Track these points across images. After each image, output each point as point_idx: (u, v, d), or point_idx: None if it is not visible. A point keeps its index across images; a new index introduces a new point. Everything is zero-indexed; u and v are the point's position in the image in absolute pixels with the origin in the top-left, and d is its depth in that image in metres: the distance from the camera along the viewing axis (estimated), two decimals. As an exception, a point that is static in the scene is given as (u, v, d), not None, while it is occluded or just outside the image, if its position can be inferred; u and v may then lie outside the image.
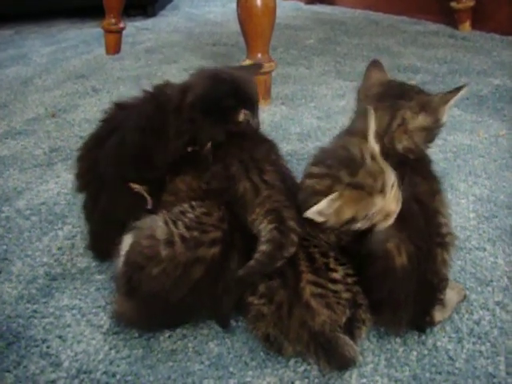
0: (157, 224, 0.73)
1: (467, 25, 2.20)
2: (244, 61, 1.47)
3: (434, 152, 1.19)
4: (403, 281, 0.68)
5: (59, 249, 0.97)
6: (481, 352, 0.70)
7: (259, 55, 1.46)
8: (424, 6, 2.41)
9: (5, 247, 0.98)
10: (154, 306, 0.71)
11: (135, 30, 2.54)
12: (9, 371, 0.71)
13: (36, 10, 2.83)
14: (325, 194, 0.67)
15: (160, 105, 0.86)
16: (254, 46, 1.46)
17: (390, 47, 2.04)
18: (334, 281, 0.69)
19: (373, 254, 0.69)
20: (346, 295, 0.68)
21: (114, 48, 2.15)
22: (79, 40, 2.46)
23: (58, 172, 1.25)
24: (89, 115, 1.57)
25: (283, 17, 2.51)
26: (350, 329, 0.67)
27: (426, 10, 2.40)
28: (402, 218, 0.69)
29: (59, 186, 1.18)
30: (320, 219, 0.69)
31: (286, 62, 1.91)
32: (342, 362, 0.66)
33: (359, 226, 0.69)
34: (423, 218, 0.71)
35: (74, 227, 1.03)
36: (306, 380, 0.67)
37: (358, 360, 0.67)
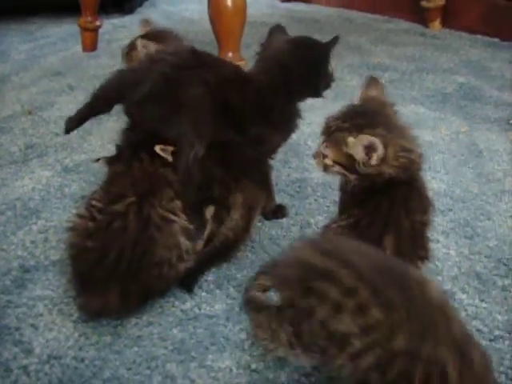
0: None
1: (437, 23, 2.26)
2: (216, 59, 1.50)
3: (397, 148, 1.25)
4: None
5: (32, 242, 1.00)
6: (426, 335, 0.75)
7: (230, 54, 1.49)
8: (397, 4, 2.47)
9: (-20, 241, 1.01)
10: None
11: (112, 27, 2.55)
12: (-17, 358, 0.75)
13: (14, 6, 2.84)
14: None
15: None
16: (224, 44, 1.50)
17: (361, 45, 2.09)
18: None
19: None
20: None
21: (91, 46, 2.17)
22: (57, 37, 2.47)
23: (33, 168, 1.27)
24: (64, 112, 1.59)
25: (258, 14, 2.55)
26: None
27: (398, 9, 2.46)
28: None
29: (34, 181, 1.21)
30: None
31: (260, 60, 1.95)
32: None
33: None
34: (412, 231, 0.76)
35: (47, 221, 1.06)
36: (262, 363, 0.72)
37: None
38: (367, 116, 0.77)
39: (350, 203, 0.79)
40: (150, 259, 0.79)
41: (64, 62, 2.07)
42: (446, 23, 2.26)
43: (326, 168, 0.79)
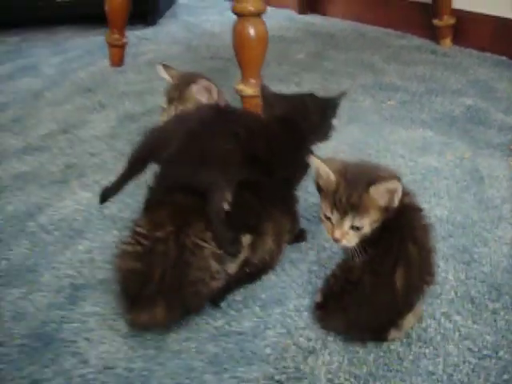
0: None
1: (448, 41, 2.36)
2: (238, 84, 1.63)
3: (405, 173, 1.38)
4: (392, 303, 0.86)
5: (80, 262, 1.13)
6: (425, 354, 0.88)
7: (252, 80, 1.61)
8: (409, 20, 2.57)
9: (33, 260, 1.15)
10: None
11: (136, 39, 2.68)
12: (47, 367, 0.88)
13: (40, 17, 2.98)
14: None
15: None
16: (247, 72, 1.62)
17: (374, 64, 2.20)
18: None
19: None
20: None
21: (118, 61, 2.31)
22: (84, 50, 2.61)
23: (74, 189, 1.40)
24: (98, 131, 1.73)
25: (277, 27, 2.66)
26: None
27: (410, 24, 2.56)
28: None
29: (75, 203, 1.34)
30: None
31: (279, 78, 2.07)
32: None
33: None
34: (420, 257, 0.87)
35: (91, 242, 1.19)
36: (284, 375, 0.85)
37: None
38: (363, 173, 0.88)
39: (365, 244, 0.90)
40: (186, 279, 0.93)
41: (93, 78, 2.21)
42: (456, 40, 2.36)
43: (363, 237, 0.87)
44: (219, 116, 1.05)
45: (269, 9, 1.56)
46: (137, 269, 0.94)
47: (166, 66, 1.42)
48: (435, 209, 1.25)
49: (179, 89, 1.33)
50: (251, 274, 1.05)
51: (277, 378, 0.85)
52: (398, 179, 0.86)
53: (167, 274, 0.92)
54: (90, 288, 1.06)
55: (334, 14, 2.95)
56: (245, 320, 0.96)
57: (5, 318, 0.99)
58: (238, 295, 1.02)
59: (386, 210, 0.86)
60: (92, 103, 1.95)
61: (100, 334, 0.95)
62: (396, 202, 0.86)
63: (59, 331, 0.96)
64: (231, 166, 1.00)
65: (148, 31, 2.86)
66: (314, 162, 0.90)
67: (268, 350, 0.90)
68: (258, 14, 1.54)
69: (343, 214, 0.86)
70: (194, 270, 0.94)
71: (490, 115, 1.71)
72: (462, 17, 2.31)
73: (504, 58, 2.18)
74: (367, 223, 0.86)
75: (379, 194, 0.85)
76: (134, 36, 2.70)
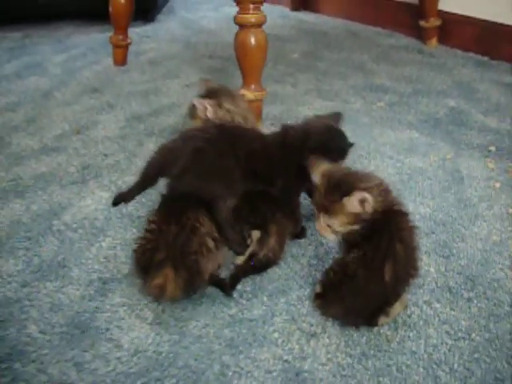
0: None
1: (434, 41, 2.50)
2: (240, 90, 1.76)
3: (393, 174, 1.53)
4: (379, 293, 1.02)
5: (105, 258, 1.27)
6: (409, 336, 1.04)
7: (253, 86, 1.75)
8: (397, 19, 2.70)
9: (63, 256, 1.28)
10: None
11: (137, 37, 2.78)
12: (87, 351, 1.03)
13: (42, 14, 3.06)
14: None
15: (286, 144, 1.21)
16: (248, 78, 1.75)
17: (364, 64, 2.34)
18: None
19: None
20: None
21: (122, 60, 2.42)
22: (87, 47, 2.71)
23: (92, 189, 1.53)
24: (109, 132, 1.85)
25: (271, 25, 2.74)
26: None
27: (398, 24, 2.69)
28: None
29: (95, 202, 1.47)
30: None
31: (275, 79, 2.20)
32: None
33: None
34: (405, 254, 1.03)
35: (113, 239, 1.33)
36: (291, 355, 1.00)
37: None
38: (344, 182, 1.03)
39: (357, 240, 1.05)
40: (188, 249, 1.11)
41: (99, 78, 2.32)
42: (442, 40, 2.50)
43: (337, 233, 1.05)
44: (223, 135, 1.19)
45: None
46: (147, 246, 1.13)
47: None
48: (419, 207, 1.40)
49: None
50: (256, 267, 1.20)
51: (284, 357, 1.00)
52: (381, 189, 1.03)
53: (172, 245, 1.10)
54: (117, 281, 1.20)
55: (326, 11, 3.08)
56: (255, 308, 1.11)
57: (43, 309, 1.13)
58: (247, 287, 1.17)
59: (358, 215, 1.01)
60: (100, 103, 2.07)
61: (129, 322, 1.09)
62: (368, 210, 1.01)
63: (93, 320, 1.10)
64: (232, 181, 1.16)
65: (148, 28, 2.97)
66: (311, 162, 1.07)
67: (276, 335, 1.05)
68: (258, 25, 1.67)
69: (319, 212, 1.04)
70: (193, 244, 1.11)
71: (471, 117, 1.86)
72: (448, 18, 2.45)
73: (486, 58, 2.34)
74: (337, 224, 1.03)
75: (351, 204, 1.01)
76: (135, 33, 2.80)
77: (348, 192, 1.00)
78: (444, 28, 2.47)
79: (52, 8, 2.98)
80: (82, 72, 2.39)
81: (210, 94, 1.42)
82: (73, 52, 2.66)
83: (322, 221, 1.05)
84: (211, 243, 1.14)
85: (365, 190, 1.00)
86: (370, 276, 1.02)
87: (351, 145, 1.22)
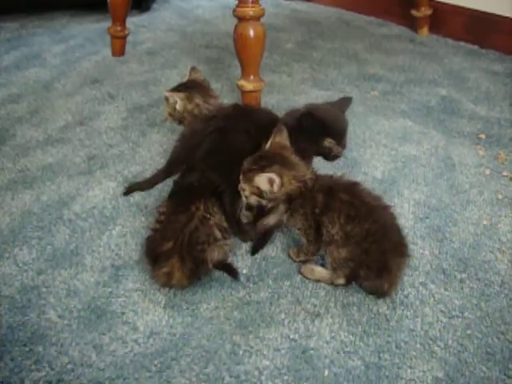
0: None
1: (425, 30, 2.56)
2: (239, 80, 1.81)
3: (388, 162, 1.60)
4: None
5: (116, 245, 1.34)
6: (406, 315, 1.11)
7: (251, 77, 1.80)
8: (389, 8, 2.75)
9: (75, 245, 1.34)
10: None
11: (133, 26, 2.80)
12: (104, 334, 1.10)
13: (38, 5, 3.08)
14: None
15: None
16: (247, 69, 1.80)
17: (357, 53, 2.39)
18: None
19: None
20: None
21: (120, 51, 2.46)
22: (84, 38, 2.73)
23: (99, 179, 1.58)
24: (112, 123, 1.90)
25: (266, 15, 2.82)
26: None
27: (390, 13, 2.74)
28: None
29: (103, 192, 1.53)
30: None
31: (271, 68, 2.25)
32: None
33: None
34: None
35: (123, 227, 1.39)
36: (297, 334, 1.08)
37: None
38: (268, 159, 1.14)
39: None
40: (195, 240, 1.17)
41: (98, 68, 2.35)
42: (433, 29, 2.56)
43: (246, 198, 1.16)
44: (237, 114, 1.29)
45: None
46: (155, 237, 1.20)
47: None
48: (414, 194, 1.47)
49: None
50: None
51: (291, 336, 1.08)
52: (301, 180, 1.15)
53: (180, 235, 1.17)
54: (129, 268, 1.26)
55: (319, 0, 3.11)
56: (261, 291, 1.18)
57: (60, 295, 1.19)
58: (254, 271, 1.24)
59: (263, 192, 1.14)
60: (101, 94, 2.11)
61: (144, 306, 1.16)
62: (276, 189, 1.12)
63: (109, 305, 1.17)
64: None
65: (143, 18, 2.99)
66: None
67: (282, 315, 1.12)
68: (257, 18, 1.72)
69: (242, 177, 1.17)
70: (200, 234, 1.18)
71: (462, 105, 1.93)
72: (439, 8, 2.50)
73: (476, 47, 2.40)
74: (247, 191, 1.16)
75: (259, 180, 1.12)
76: (131, 23, 2.81)
77: (264, 168, 1.12)
78: (435, 17, 2.52)
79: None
80: (81, 63, 2.42)
81: (184, 87, 1.50)
82: (71, 42, 2.68)
83: (242, 182, 1.16)
84: (218, 234, 1.21)
85: (279, 173, 1.11)
86: None
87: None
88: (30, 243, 1.34)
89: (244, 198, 1.18)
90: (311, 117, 1.25)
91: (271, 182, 1.12)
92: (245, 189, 1.16)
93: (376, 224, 1.10)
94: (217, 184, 1.24)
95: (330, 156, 1.30)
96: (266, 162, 1.14)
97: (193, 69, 1.60)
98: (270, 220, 1.22)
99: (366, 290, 1.16)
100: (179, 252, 1.16)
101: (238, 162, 1.19)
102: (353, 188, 1.16)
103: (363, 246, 1.09)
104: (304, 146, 1.25)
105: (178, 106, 1.46)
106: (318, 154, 1.31)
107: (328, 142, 1.27)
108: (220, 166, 1.22)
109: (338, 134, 1.28)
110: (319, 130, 1.25)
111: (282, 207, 1.18)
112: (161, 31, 2.78)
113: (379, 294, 1.13)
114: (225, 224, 1.23)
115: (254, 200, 1.16)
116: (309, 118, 1.25)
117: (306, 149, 1.26)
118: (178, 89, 1.51)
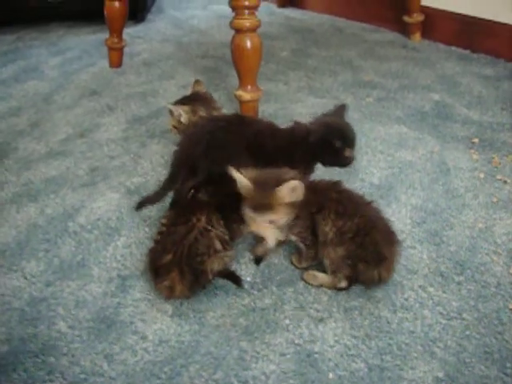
0: None
1: (418, 36, 2.61)
2: (237, 90, 1.85)
3: (385, 168, 1.63)
4: None
5: (122, 256, 1.37)
6: (406, 318, 1.15)
7: (249, 87, 1.84)
8: (382, 15, 2.80)
9: (81, 256, 1.37)
10: None
11: (129, 37, 2.83)
12: (114, 343, 1.13)
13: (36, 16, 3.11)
14: None
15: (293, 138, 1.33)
16: (245, 79, 1.84)
17: (352, 60, 2.43)
18: None
19: None
20: None
21: (117, 63, 2.49)
22: (80, 50, 2.77)
23: (103, 191, 1.62)
24: (112, 135, 1.93)
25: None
26: None
27: (383, 19, 2.79)
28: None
29: (107, 203, 1.56)
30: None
31: (267, 77, 2.29)
32: None
33: None
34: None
35: (127, 238, 1.42)
36: (302, 339, 1.11)
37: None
38: (270, 178, 1.15)
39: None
40: (194, 251, 1.20)
41: (96, 80, 2.38)
42: (425, 35, 2.60)
43: (279, 228, 1.18)
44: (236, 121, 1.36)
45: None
46: (157, 249, 1.22)
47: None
48: (411, 198, 1.51)
49: None
50: None
51: (296, 341, 1.11)
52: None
53: (179, 247, 1.19)
54: (135, 278, 1.29)
55: (312, 7, 3.16)
56: (266, 298, 1.22)
57: (69, 306, 1.22)
58: (257, 278, 1.27)
59: (293, 204, 1.13)
60: (100, 106, 2.14)
61: (151, 315, 1.19)
62: (300, 196, 1.12)
63: (117, 315, 1.20)
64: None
65: (139, 28, 3.03)
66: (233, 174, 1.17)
67: (287, 321, 1.16)
68: (253, 30, 1.76)
69: (257, 213, 1.14)
70: (200, 246, 1.20)
71: (455, 110, 1.97)
72: (430, 13, 2.55)
73: (467, 51, 2.45)
74: (279, 216, 1.14)
75: (284, 194, 1.11)
76: (126, 34, 2.84)
77: (278, 184, 1.12)
78: (427, 23, 2.57)
79: (44, 10, 3.02)
80: (79, 75, 2.46)
81: (188, 100, 1.54)
82: (68, 54, 2.72)
83: (263, 220, 1.14)
84: (219, 245, 1.23)
85: (291, 178, 1.13)
86: None
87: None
88: (37, 256, 1.37)
89: (271, 234, 1.19)
90: (335, 132, 1.31)
91: (294, 189, 1.12)
92: (274, 217, 1.15)
93: (364, 218, 1.16)
94: (220, 176, 1.25)
95: (347, 163, 1.35)
96: (274, 181, 1.14)
97: (196, 81, 1.63)
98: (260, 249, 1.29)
99: (364, 283, 1.20)
100: (178, 264, 1.18)
101: (237, 156, 1.23)
102: (336, 186, 1.23)
103: (357, 240, 1.15)
104: (330, 159, 1.34)
105: (182, 119, 1.50)
106: (336, 165, 1.37)
107: (348, 152, 1.32)
108: (221, 159, 1.26)
109: (353, 142, 1.35)
110: (342, 143, 1.31)
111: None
112: (157, 42, 2.82)
113: (377, 282, 1.19)
114: (226, 236, 1.25)
115: (287, 222, 1.17)
116: (333, 133, 1.31)
117: (331, 162, 1.35)
118: (181, 101, 1.55)
